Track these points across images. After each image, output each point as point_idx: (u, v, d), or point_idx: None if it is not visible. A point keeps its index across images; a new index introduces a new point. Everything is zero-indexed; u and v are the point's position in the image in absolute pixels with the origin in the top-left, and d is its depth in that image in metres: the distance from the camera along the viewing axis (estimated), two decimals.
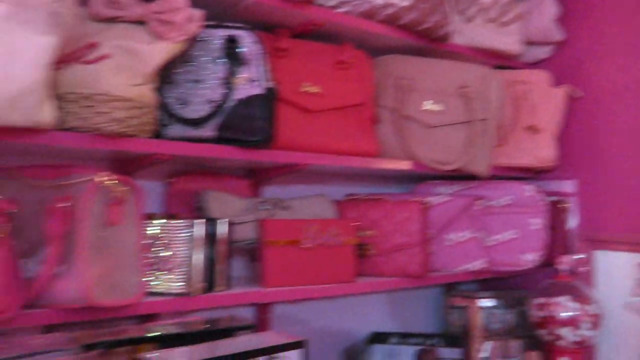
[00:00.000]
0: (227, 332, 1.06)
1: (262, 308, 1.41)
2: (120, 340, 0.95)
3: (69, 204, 0.95)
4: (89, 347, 0.91)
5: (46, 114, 0.90)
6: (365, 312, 1.69)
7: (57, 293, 0.95)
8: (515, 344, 1.66)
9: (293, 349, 0.97)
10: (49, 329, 1.03)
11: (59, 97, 0.97)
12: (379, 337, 1.58)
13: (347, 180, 1.68)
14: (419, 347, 1.53)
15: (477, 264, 1.55)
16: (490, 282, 1.85)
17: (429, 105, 1.54)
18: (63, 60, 0.94)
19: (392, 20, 1.45)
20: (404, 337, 1.58)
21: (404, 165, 1.49)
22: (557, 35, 1.79)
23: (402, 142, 1.51)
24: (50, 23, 0.84)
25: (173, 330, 1.02)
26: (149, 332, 1.00)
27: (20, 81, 0.83)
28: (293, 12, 1.29)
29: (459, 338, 1.58)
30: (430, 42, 1.55)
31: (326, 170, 1.52)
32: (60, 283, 0.95)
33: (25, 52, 0.83)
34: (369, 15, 1.42)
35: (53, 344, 0.90)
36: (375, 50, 1.52)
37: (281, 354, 0.95)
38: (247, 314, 1.40)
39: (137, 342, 0.96)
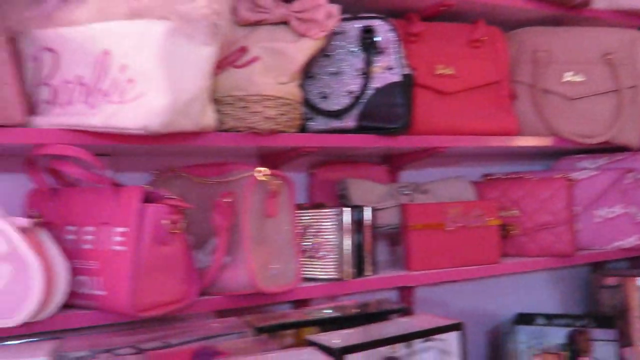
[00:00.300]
0: (380, 315, 1.09)
1: (406, 291, 1.43)
2: (286, 324, 1.02)
3: (232, 199, 1.02)
4: (260, 330, 0.98)
5: (209, 118, 0.98)
6: (508, 293, 1.66)
7: (225, 281, 1.04)
8: None
9: (451, 331, 0.98)
10: (218, 314, 1.13)
11: (217, 100, 1.04)
12: (524, 318, 1.54)
13: (482, 160, 1.65)
14: (570, 329, 1.48)
15: (631, 241, 1.46)
16: None
17: (569, 76, 1.47)
18: (219, 66, 1.01)
19: None
20: (551, 318, 1.53)
21: (545, 141, 1.44)
22: None
23: (541, 117, 1.45)
24: (210, 34, 0.91)
25: (331, 314, 1.08)
26: (309, 316, 1.06)
27: (189, 90, 0.91)
28: None
29: (611, 318, 1.50)
30: (568, 10, 1.47)
31: (462, 152, 1.51)
32: (227, 272, 1.03)
33: (192, 62, 0.91)
34: None
35: (227, 327, 0.99)
36: (509, 24, 1.48)
37: (439, 337, 0.97)
38: (391, 298, 1.43)
39: (301, 325, 1.02)
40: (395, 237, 1.48)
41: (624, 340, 1.52)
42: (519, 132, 1.42)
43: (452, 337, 0.98)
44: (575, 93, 1.46)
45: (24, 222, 0.86)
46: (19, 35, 0.95)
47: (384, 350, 0.90)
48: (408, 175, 1.51)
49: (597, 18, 1.52)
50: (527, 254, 1.42)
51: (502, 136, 1.38)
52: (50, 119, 0.93)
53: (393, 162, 1.46)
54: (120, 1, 0.87)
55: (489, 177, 1.51)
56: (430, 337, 0.96)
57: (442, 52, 1.36)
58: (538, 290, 1.72)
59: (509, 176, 1.48)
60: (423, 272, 1.26)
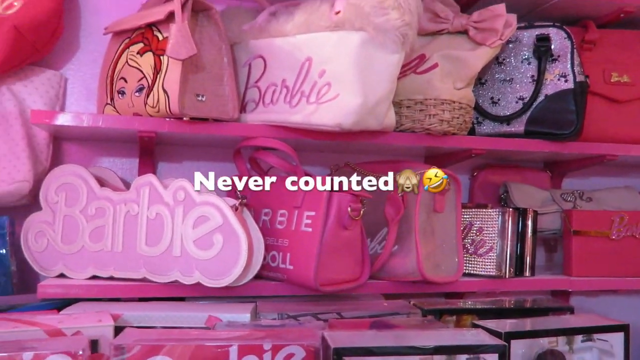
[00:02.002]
0: (541, 311, 1.13)
1: (561, 297, 1.44)
2: (451, 309, 1.10)
3: (404, 193, 1.12)
4: (426, 312, 1.07)
5: (390, 119, 1.09)
6: None
7: (393, 267, 1.14)
8: None
9: (616, 331, 0.99)
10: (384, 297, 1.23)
11: (396, 103, 1.15)
12: None
13: None
14: None
15: None
16: None
17: None
18: (401, 72, 1.11)
19: None
20: None
21: None
22: None
23: None
24: (399, 43, 1.01)
25: (491, 306, 1.14)
26: (470, 306, 1.14)
27: (378, 92, 1.02)
28: (603, 2, 1.28)
29: None
30: None
31: (633, 161, 1.47)
32: (395, 259, 1.13)
33: (381, 68, 1.02)
34: None
35: (396, 307, 1.09)
36: None
37: (601, 337, 0.99)
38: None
39: (463, 312, 1.10)
40: (552, 243, 1.49)
41: None
42: None
43: (616, 339, 0.99)
44: None
45: (234, 202, 1.02)
46: (235, 45, 1.13)
47: (545, 342, 0.94)
48: (570, 183, 1.51)
49: None
50: None
51: None
52: (257, 116, 1.10)
53: (556, 169, 1.47)
54: (324, 15, 1.00)
55: None
56: (592, 336, 0.99)
57: (618, 60, 1.35)
58: None
59: None
60: (583, 278, 1.27)
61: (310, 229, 1.04)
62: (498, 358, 0.82)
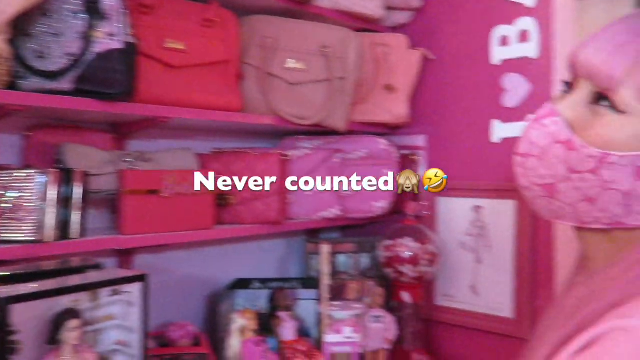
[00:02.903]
0: (77, 270, 1.12)
1: (124, 258, 1.46)
2: None
3: None
4: None
5: None
6: (230, 261, 1.78)
7: None
8: (369, 284, 1.82)
9: (134, 282, 1.05)
10: None
11: None
12: (241, 283, 1.69)
13: (215, 135, 1.75)
14: (274, 288, 1.67)
15: (333, 211, 1.69)
16: (350, 230, 2.02)
17: (291, 63, 1.63)
18: None
19: None
20: (265, 282, 1.70)
21: (265, 120, 1.59)
22: (416, 2, 1.93)
23: (265, 98, 1.60)
24: None
25: (18, 271, 1.07)
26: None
27: None
28: None
29: (314, 280, 1.72)
30: (295, 4, 1.63)
31: (193, 125, 1.58)
32: None
33: None
34: None
35: None
36: (243, 10, 1.58)
37: (124, 287, 1.02)
38: (109, 265, 1.43)
39: None
40: (114, 205, 1.50)
41: (321, 299, 1.75)
42: (242, 110, 1.54)
43: (136, 289, 1.04)
44: (295, 79, 1.63)
45: None
46: None
47: (66, 302, 0.92)
48: (138, 145, 1.54)
49: (321, 15, 1.71)
50: (243, 222, 1.55)
51: (225, 112, 1.49)
52: None
53: (120, 131, 1.47)
54: None
55: (215, 151, 1.62)
56: (119, 289, 1.02)
57: (174, 27, 1.41)
58: (259, 258, 1.88)
59: (232, 150, 1.59)
60: (136, 235, 1.30)
61: None
62: None
